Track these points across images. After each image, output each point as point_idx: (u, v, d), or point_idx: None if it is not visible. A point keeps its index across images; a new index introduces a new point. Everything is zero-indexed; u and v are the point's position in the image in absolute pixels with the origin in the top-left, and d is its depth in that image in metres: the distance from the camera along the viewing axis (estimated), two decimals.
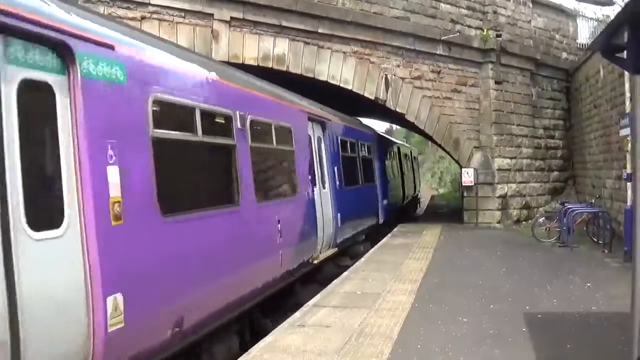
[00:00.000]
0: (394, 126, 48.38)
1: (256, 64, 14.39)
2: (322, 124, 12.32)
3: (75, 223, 4.27)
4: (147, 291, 5.03)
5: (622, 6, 3.54)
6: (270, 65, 14.80)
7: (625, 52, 4.09)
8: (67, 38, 4.31)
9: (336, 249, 12.31)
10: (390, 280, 10.18)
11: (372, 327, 7.27)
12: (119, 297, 4.54)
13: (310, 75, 15.77)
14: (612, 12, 19.47)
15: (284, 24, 14.98)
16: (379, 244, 15.09)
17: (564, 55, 23.13)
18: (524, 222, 19.43)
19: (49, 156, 4.27)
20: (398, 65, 17.85)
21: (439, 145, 21.00)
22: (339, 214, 12.33)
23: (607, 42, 4.34)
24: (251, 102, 8.15)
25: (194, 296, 5.86)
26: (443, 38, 18.40)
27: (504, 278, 10.42)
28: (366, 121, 23.46)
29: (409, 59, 18.07)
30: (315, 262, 10.73)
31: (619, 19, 3.93)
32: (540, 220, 16.38)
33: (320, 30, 15.78)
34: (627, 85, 13.05)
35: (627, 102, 13.11)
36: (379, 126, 39.78)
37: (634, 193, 3.95)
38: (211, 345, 6.64)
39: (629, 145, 11.07)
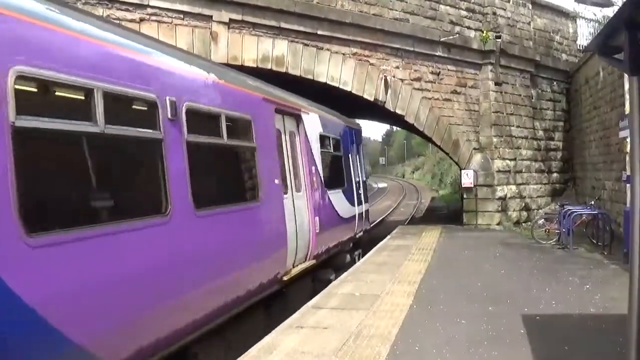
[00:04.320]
0: (394, 128, 48.40)
1: (255, 66, 14.39)
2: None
3: None
4: None
5: (620, 7, 3.52)
6: (269, 67, 14.79)
7: (622, 53, 4.07)
8: None
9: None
10: (389, 282, 10.17)
11: (370, 329, 7.25)
12: None
13: (309, 76, 15.76)
14: (612, 13, 19.46)
15: (283, 25, 14.97)
16: (377, 246, 15.06)
17: (564, 56, 23.14)
18: (523, 224, 19.43)
19: None
20: (397, 67, 17.85)
21: (439, 147, 20.97)
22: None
23: (605, 43, 4.33)
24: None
25: None
26: (442, 39, 18.41)
27: (503, 280, 10.40)
28: (366, 123, 23.29)
29: (409, 60, 18.07)
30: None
31: (615, 20, 3.92)
32: (540, 221, 16.38)
33: (319, 32, 15.77)
34: (626, 87, 13.04)
35: (627, 104, 13.10)
36: (379, 128, 39.80)
37: (633, 195, 3.93)
38: None
39: (628, 146, 11.06)
